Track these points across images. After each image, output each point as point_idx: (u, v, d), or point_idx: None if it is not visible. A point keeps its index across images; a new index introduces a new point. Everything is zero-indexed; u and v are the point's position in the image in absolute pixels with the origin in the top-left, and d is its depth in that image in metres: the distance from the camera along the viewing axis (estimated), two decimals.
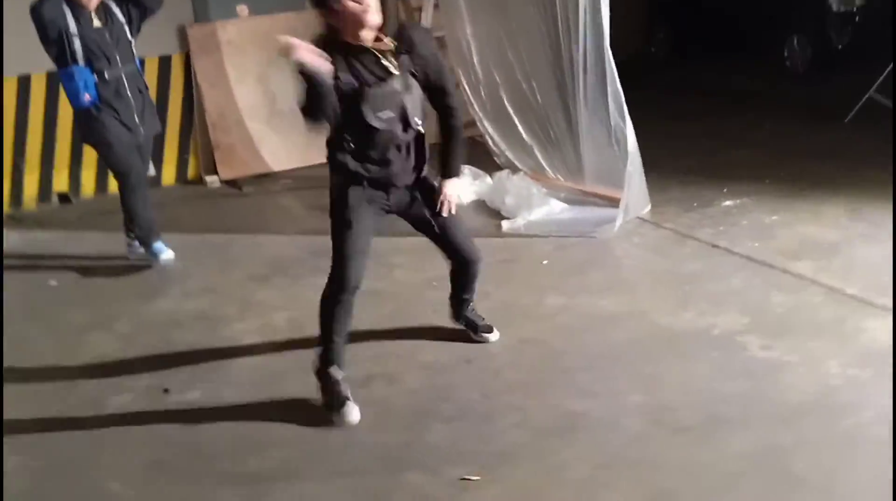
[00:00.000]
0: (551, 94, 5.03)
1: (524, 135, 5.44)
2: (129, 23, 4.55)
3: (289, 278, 4.39)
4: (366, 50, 2.82)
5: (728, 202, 4.88)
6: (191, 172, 6.69)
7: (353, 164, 2.96)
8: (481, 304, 3.72)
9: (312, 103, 2.76)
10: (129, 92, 4.50)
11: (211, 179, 6.50)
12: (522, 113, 5.39)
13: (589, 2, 4.39)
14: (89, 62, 4.37)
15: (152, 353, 3.66)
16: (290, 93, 6.68)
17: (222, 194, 6.23)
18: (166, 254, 4.75)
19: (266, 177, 6.43)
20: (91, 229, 5.43)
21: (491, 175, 5.52)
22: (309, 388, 3.13)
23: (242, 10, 6.63)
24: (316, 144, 6.86)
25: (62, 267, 4.84)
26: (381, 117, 2.84)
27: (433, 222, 3.14)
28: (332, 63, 2.72)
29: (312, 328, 3.17)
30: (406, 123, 2.90)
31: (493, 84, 5.55)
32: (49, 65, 4.59)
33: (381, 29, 2.83)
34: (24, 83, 6.25)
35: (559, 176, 5.37)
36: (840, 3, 7.79)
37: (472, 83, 5.72)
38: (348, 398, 3.06)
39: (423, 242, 3.31)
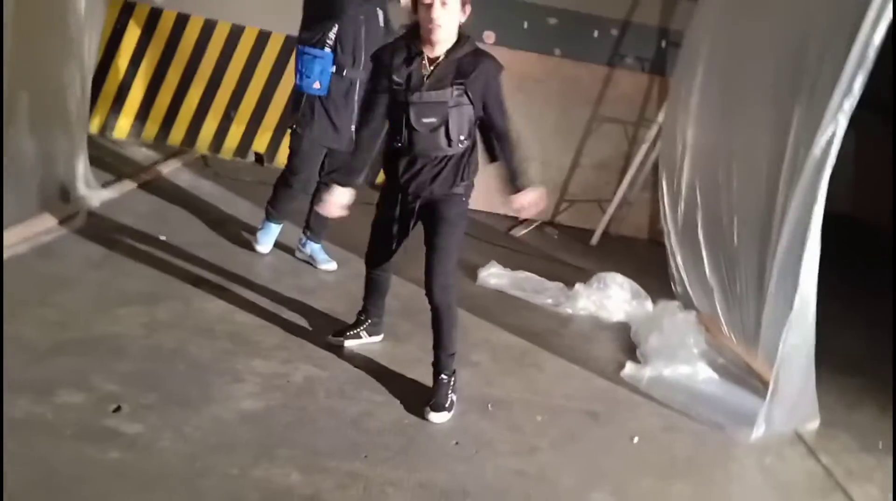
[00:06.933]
0: (750, 240, 3.98)
1: (707, 272, 4.41)
2: (387, 32, 4.13)
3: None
4: (427, 57, 3.02)
5: None
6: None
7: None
8: (516, 457, 3.00)
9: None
10: (356, 96, 4.13)
11: None
12: (713, 248, 4.36)
13: (821, 145, 3.33)
14: (334, 52, 4.06)
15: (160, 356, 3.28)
16: None
17: None
18: (264, 245, 4.53)
19: None
20: (255, 198, 5.14)
21: (655, 301, 4.59)
22: None
23: (489, 36, 6.26)
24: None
25: (189, 225, 4.73)
26: (424, 123, 3.02)
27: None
28: (391, 62, 3.04)
29: None
30: (448, 136, 3.03)
31: (692, 202, 4.57)
32: (290, 28, 4.33)
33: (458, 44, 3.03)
34: (262, 38, 6.30)
35: (733, 336, 4.31)
36: None
37: (672, 193, 4.77)
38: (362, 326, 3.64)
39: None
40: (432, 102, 3.00)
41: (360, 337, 3.65)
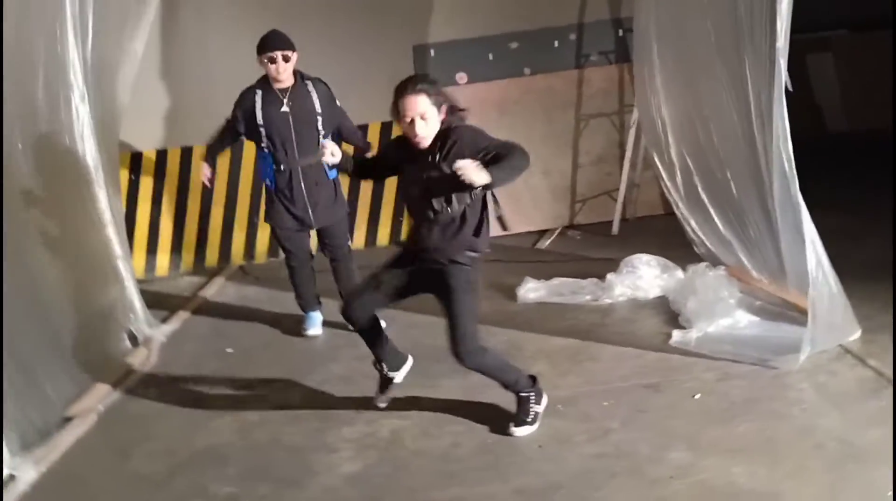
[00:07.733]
0: (748, 186, 4.27)
1: (721, 228, 4.70)
2: (333, 108, 4.59)
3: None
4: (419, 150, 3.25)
5: None
6: (405, 234, 6.78)
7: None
8: (594, 443, 3.31)
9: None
10: (302, 184, 4.53)
11: None
12: (718, 204, 4.66)
13: (777, 86, 3.62)
14: (270, 152, 4.52)
15: (253, 457, 3.64)
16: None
17: None
18: (313, 330, 4.89)
19: None
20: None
21: (684, 268, 4.86)
22: None
23: (462, 77, 6.63)
24: (520, 211, 6.74)
25: (247, 332, 5.13)
26: (410, 194, 3.37)
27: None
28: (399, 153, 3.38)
29: None
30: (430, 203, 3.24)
31: (686, 170, 4.88)
32: None
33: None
34: None
35: (762, 277, 4.57)
36: None
37: (667, 166, 5.08)
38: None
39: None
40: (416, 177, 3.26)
41: (393, 379, 3.74)
